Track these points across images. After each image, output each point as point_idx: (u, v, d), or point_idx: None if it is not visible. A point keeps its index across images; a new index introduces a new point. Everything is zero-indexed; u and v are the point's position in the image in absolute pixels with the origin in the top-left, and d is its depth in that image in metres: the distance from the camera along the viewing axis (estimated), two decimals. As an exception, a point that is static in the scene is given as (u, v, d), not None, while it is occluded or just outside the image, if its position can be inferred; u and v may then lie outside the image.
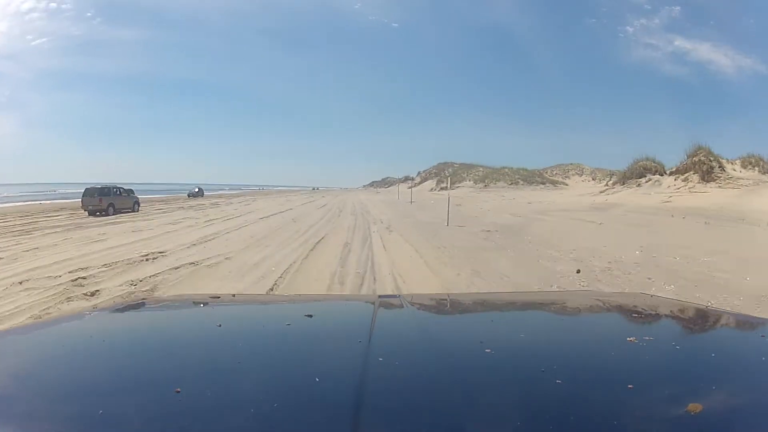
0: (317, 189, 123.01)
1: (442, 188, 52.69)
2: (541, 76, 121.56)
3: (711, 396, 0.65)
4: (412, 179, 77.06)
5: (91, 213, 20.07)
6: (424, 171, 72.31)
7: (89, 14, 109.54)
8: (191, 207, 27.00)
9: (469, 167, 59.69)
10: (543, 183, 49.40)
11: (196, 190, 46.27)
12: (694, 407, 0.57)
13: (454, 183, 52.46)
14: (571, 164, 54.80)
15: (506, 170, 54.65)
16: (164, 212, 22.33)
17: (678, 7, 78.98)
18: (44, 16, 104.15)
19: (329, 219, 17.21)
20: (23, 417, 0.60)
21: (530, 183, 49.64)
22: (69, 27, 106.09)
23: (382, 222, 15.58)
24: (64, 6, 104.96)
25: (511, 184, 49.47)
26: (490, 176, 52.99)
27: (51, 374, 0.75)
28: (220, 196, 52.03)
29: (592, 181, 44.62)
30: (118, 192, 21.89)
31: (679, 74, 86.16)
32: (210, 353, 0.84)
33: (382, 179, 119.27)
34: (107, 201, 20.54)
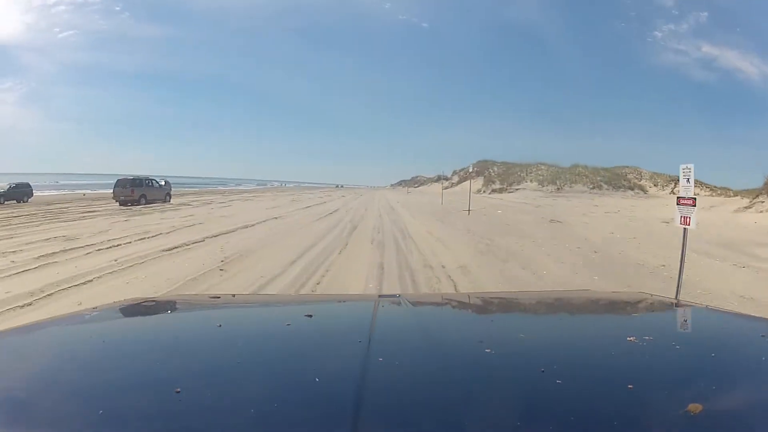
0: (341, 186, 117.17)
1: (494, 190, 42.71)
2: (570, 79, 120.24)
3: (711, 396, 0.65)
4: (447, 178, 67.03)
5: (123, 203, 20.28)
6: (461, 169, 61.15)
7: (117, 8, 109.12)
8: (134, 211, 17.63)
9: (522, 166, 47.39)
10: (631, 188, 37.08)
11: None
12: (694, 407, 0.57)
13: (511, 184, 42.78)
14: (627, 167, 42.40)
15: (581, 169, 41.50)
16: (58, 218, 14.81)
17: (705, 13, 77.36)
18: (71, 9, 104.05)
19: (322, 256, 7.73)
20: (23, 417, 0.59)
21: (616, 188, 37.18)
22: (97, 21, 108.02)
23: (449, 276, 6.24)
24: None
25: (594, 188, 37.16)
26: (561, 177, 40.29)
27: (51, 374, 0.75)
28: (220, 193, 45.46)
29: (654, 187, 36.71)
30: (150, 183, 22.33)
31: (707, 80, 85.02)
32: (210, 353, 0.83)
33: (412, 178, 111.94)
34: (139, 192, 20.99)
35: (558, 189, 37.78)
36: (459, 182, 55.37)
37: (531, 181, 42.27)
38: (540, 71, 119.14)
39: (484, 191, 43.49)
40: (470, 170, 60.01)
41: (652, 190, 36.21)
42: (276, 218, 15.55)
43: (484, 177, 50.50)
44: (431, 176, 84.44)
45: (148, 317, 1.23)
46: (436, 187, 67.19)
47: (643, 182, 38.38)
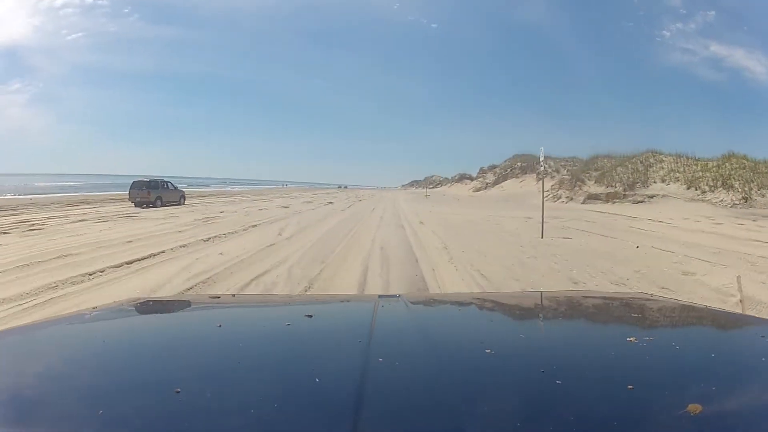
0: (344, 187, 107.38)
1: (592, 197, 23.82)
2: (579, 78, 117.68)
3: (711, 396, 0.65)
4: (472, 178, 53.78)
5: (138, 205, 20.71)
6: (494, 166, 46.19)
7: (126, 11, 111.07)
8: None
9: (619, 159, 26.93)
10: None
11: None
12: (694, 407, 0.57)
13: (632, 186, 22.72)
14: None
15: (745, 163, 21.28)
16: None
17: (713, 12, 76.85)
18: (78, 11, 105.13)
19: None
20: (23, 417, 0.59)
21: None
22: (105, 23, 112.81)
23: None
24: (100, 2, 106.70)
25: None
26: (734, 176, 20.10)
27: (51, 374, 0.74)
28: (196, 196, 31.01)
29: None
30: (165, 186, 22.62)
31: (715, 79, 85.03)
32: (210, 353, 0.83)
33: (425, 178, 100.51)
34: (155, 194, 21.33)
35: (744, 199, 18.56)
36: (496, 182, 41.74)
37: (666, 181, 22.37)
38: (548, 71, 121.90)
39: (563, 199, 26.45)
40: (487, 171, 45.67)
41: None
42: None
43: (549, 175, 34.00)
44: (452, 175, 71.07)
45: (148, 317, 1.22)
46: (459, 188, 52.99)
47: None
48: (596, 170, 27.68)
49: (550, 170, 34.50)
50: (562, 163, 34.77)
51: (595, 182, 26.20)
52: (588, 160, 30.95)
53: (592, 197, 23.98)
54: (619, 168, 25.31)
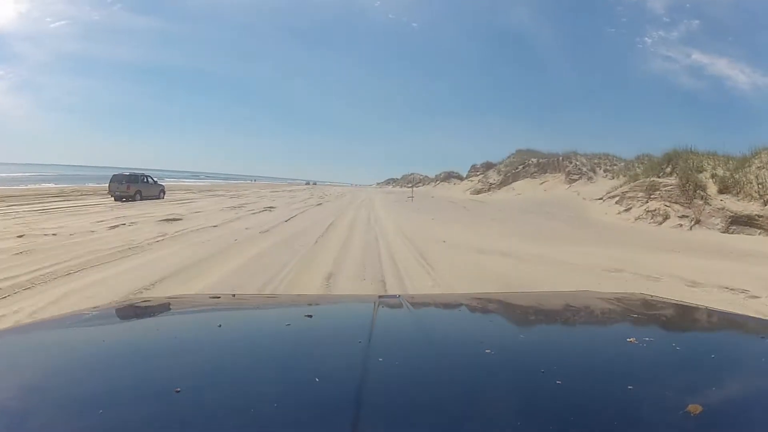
0: (314, 184, 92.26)
1: (743, 220, 13.11)
2: (557, 81, 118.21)
3: (711, 396, 0.66)
4: (462, 177, 47.15)
5: (118, 199, 20.33)
6: (491, 164, 39.28)
7: (109, 0, 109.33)
8: None
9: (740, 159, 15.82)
10: None
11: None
12: (694, 408, 0.58)
13: None
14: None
15: None
16: None
17: (697, 21, 68.28)
18: None
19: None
20: (22, 417, 0.60)
21: None
22: (89, 12, 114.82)
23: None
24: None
25: None
26: None
27: (50, 374, 0.75)
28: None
29: None
30: (145, 180, 22.29)
31: (695, 87, 73.41)
32: (210, 353, 0.84)
33: (403, 176, 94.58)
34: (135, 188, 20.94)
35: None
36: (504, 182, 33.66)
37: None
38: (529, 74, 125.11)
39: (674, 219, 15.59)
40: (487, 170, 38.06)
41: None
42: None
43: (585, 176, 26.75)
44: (435, 173, 61.48)
45: (148, 317, 1.22)
46: (448, 188, 45.83)
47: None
48: (698, 171, 16.68)
49: (584, 169, 27.97)
50: (596, 161, 28.37)
51: (718, 192, 15.28)
52: (663, 157, 19.73)
53: (742, 222, 13.37)
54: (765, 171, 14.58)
